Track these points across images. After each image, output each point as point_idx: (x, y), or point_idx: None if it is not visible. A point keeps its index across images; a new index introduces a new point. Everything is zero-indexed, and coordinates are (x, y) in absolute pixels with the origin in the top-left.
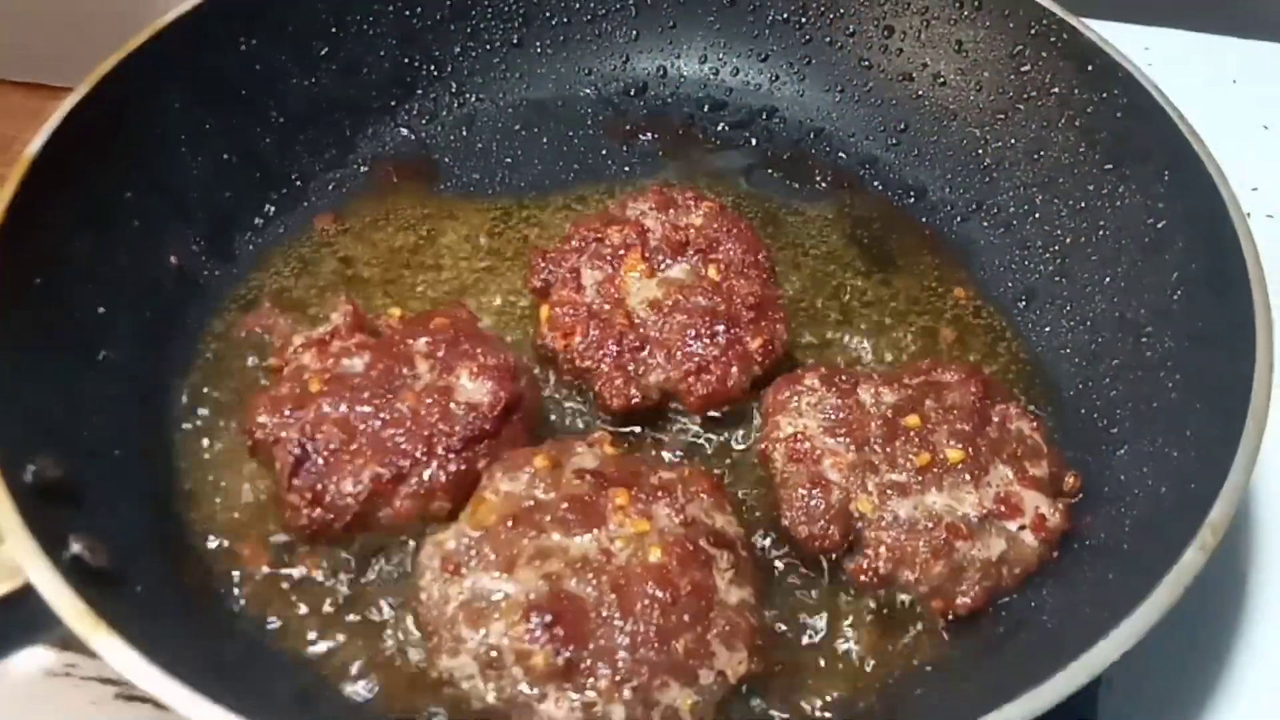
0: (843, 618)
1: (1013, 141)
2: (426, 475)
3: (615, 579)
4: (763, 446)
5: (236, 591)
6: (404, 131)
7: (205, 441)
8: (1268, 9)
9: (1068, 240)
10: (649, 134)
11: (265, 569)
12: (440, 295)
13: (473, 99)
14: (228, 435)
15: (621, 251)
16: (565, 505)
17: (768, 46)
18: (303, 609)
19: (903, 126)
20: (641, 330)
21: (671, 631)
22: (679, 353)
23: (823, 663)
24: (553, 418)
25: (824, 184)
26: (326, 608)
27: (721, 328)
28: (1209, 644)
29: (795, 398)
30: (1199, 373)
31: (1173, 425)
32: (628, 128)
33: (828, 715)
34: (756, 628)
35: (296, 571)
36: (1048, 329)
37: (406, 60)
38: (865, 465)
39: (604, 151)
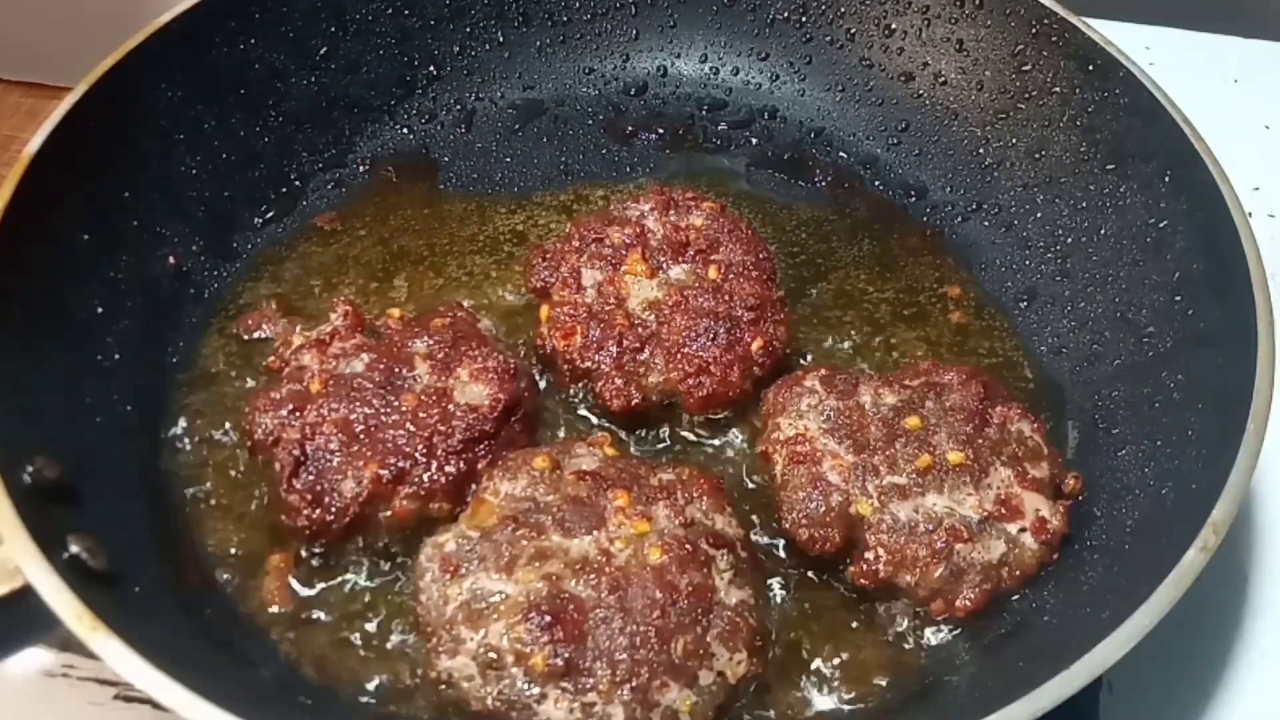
0: (842, 620)
1: (1014, 141)
2: (426, 476)
3: (615, 580)
4: (763, 448)
5: (235, 592)
6: (403, 131)
7: (204, 442)
8: (1269, 8)
9: (1069, 240)
10: (649, 134)
11: (264, 570)
12: (440, 295)
13: (472, 98)
14: (227, 436)
15: (622, 252)
16: (565, 506)
17: (768, 46)
18: (301, 610)
19: (903, 126)
20: (641, 331)
21: (671, 632)
22: (679, 354)
23: (822, 665)
24: (552, 418)
25: (824, 184)
26: (325, 608)
27: (722, 329)
28: (1210, 644)
29: (796, 399)
30: (1200, 373)
31: (1174, 426)
32: (628, 128)
33: (828, 718)
34: (756, 628)
35: (295, 572)
36: (1049, 329)
37: (406, 60)
38: (866, 467)
39: (604, 151)
